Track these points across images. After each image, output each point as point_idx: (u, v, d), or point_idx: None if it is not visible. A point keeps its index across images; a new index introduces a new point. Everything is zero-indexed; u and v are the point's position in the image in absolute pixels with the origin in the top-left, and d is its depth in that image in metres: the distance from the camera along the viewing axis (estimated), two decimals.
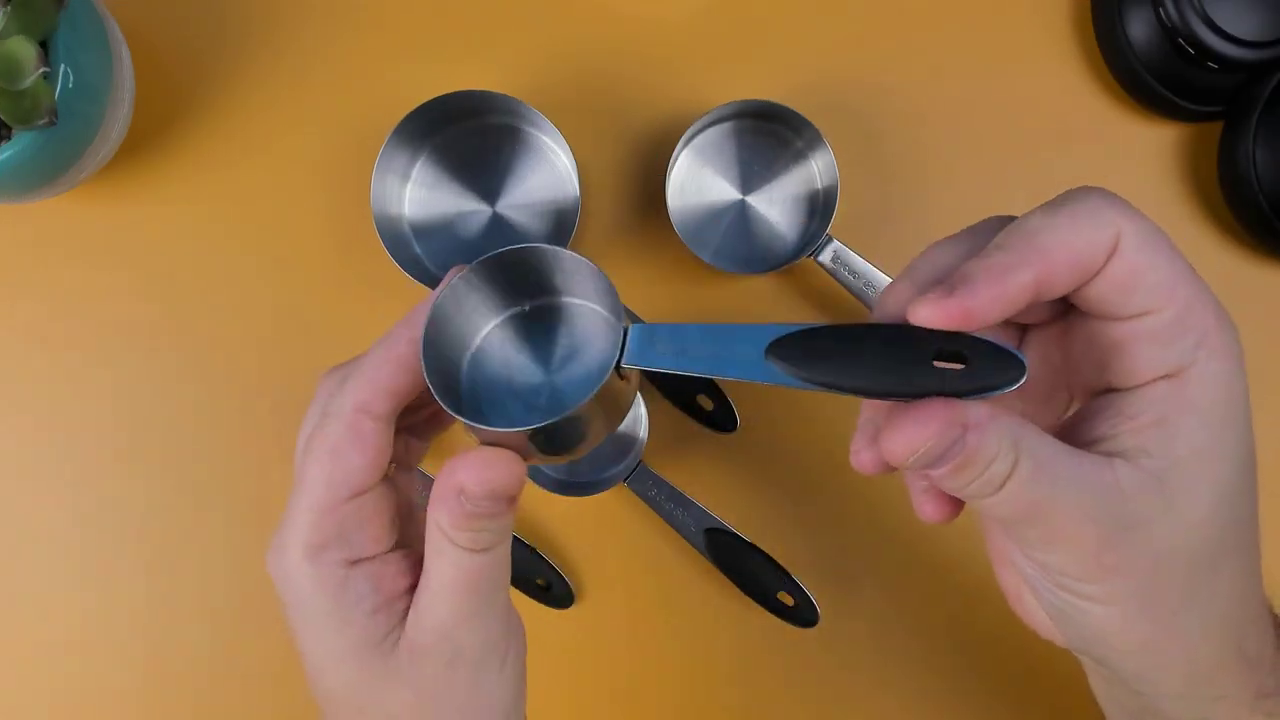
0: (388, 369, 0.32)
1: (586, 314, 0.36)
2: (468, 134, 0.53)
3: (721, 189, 0.53)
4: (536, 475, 0.52)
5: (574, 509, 0.54)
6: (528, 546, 0.53)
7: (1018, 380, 0.26)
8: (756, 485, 0.54)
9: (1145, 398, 0.28)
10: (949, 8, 0.54)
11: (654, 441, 0.52)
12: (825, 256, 0.51)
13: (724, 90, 0.54)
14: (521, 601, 0.53)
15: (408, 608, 0.33)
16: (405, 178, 0.53)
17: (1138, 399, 0.28)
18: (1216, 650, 0.30)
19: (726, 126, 0.53)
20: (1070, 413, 0.32)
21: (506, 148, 0.53)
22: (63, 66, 0.44)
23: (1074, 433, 0.30)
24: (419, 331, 0.32)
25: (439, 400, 0.31)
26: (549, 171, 0.53)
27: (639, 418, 0.52)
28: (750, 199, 0.53)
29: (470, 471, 0.31)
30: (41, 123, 0.43)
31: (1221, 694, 0.31)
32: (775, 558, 0.52)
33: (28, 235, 0.54)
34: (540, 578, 0.53)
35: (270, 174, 0.54)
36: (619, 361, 0.31)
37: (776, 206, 0.53)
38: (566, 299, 0.36)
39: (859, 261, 0.51)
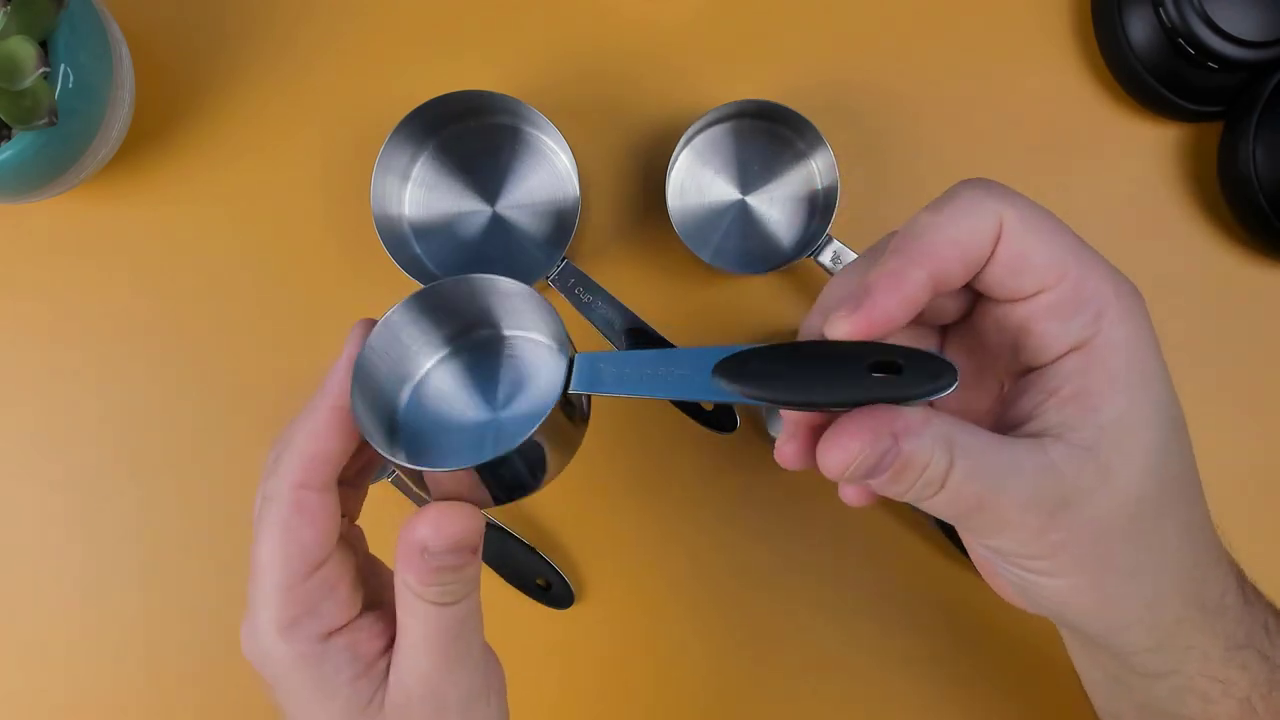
0: (315, 441, 0.32)
1: (529, 346, 0.36)
2: (468, 134, 0.53)
3: (721, 189, 0.53)
4: None
5: (574, 509, 0.54)
6: (528, 546, 0.53)
7: (949, 385, 0.27)
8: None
9: (1060, 372, 0.29)
10: (949, 8, 0.54)
11: (652, 442, 0.52)
12: (825, 257, 0.51)
13: (724, 90, 0.54)
14: (522, 601, 0.53)
15: (387, 666, 0.33)
16: (405, 178, 0.53)
17: (1053, 374, 0.29)
18: (1175, 604, 0.31)
19: (726, 126, 0.53)
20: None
21: (506, 148, 0.53)
22: (63, 66, 0.44)
23: (1004, 415, 0.31)
24: (338, 398, 0.33)
25: (381, 452, 0.31)
26: (549, 171, 0.53)
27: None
28: (750, 199, 0.53)
29: (429, 527, 0.31)
30: (41, 123, 0.43)
31: (1190, 644, 0.32)
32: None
33: (28, 235, 0.54)
34: (540, 578, 0.53)
35: (270, 174, 0.54)
36: (565, 392, 0.31)
37: (776, 206, 0.53)
38: (509, 331, 0.36)
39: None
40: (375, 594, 0.35)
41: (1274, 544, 0.53)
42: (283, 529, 0.32)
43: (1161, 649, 0.32)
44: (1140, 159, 0.54)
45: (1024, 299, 0.29)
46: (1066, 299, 0.29)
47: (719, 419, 0.52)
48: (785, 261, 0.52)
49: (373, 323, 0.34)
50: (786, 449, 0.31)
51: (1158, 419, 0.29)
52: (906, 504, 0.52)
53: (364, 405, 0.33)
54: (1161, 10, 0.50)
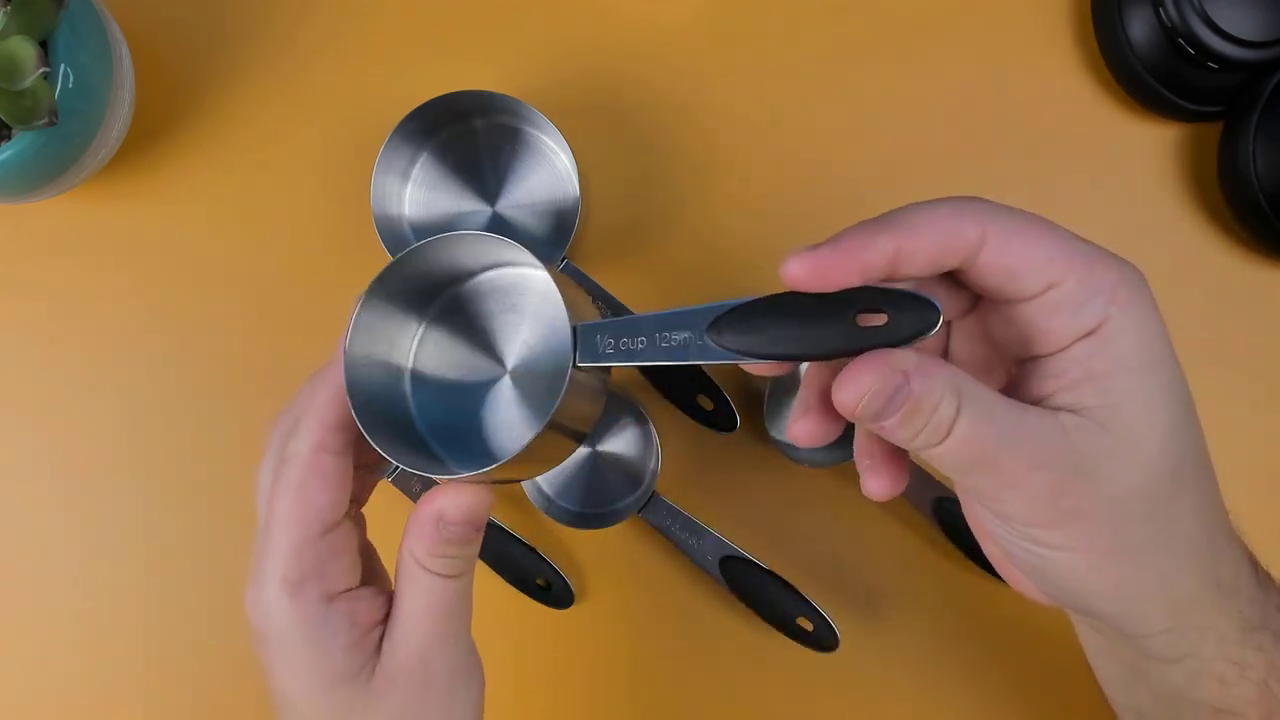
0: (335, 407, 0.34)
1: (515, 287, 0.37)
2: (468, 134, 0.53)
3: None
4: (548, 507, 0.52)
5: None
6: (528, 546, 0.53)
7: (934, 324, 0.28)
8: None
9: (1070, 357, 0.29)
10: (948, 8, 0.54)
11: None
12: None
13: (724, 90, 0.54)
14: (522, 601, 0.53)
15: (380, 639, 0.35)
16: (405, 178, 0.53)
17: (1062, 359, 0.29)
18: (1191, 581, 0.31)
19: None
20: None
21: (506, 148, 0.53)
22: (63, 66, 0.44)
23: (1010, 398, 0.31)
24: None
25: (387, 457, 0.33)
26: (549, 171, 0.53)
27: (652, 450, 0.52)
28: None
29: (447, 498, 0.34)
30: (41, 123, 0.43)
31: (1205, 624, 0.32)
32: (793, 580, 0.51)
33: (28, 235, 0.54)
34: (540, 578, 0.53)
35: (270, 174, 0.54)
36: (574, 366, 0.32)
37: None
38: (486, 274, 0.37)
39: None
40: (370, 576, 0.37)
41: (1278, 543, 0.53)
42: (299, 489, 0.33)
43: (1177, 630, 0.32)
44: (1140, 159, 0.54)
45: (1031, 298, 0.30)
46: (1075, 292, 0.29)
47: (719, 419, 0.52)
48: None
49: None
50: (800, 425, 0.32)
51: (1169, 399, 0.29)
52: (908, 505, 0.52)
53: (369, 415, 0.34)
54: (1161, 10, 0.50)
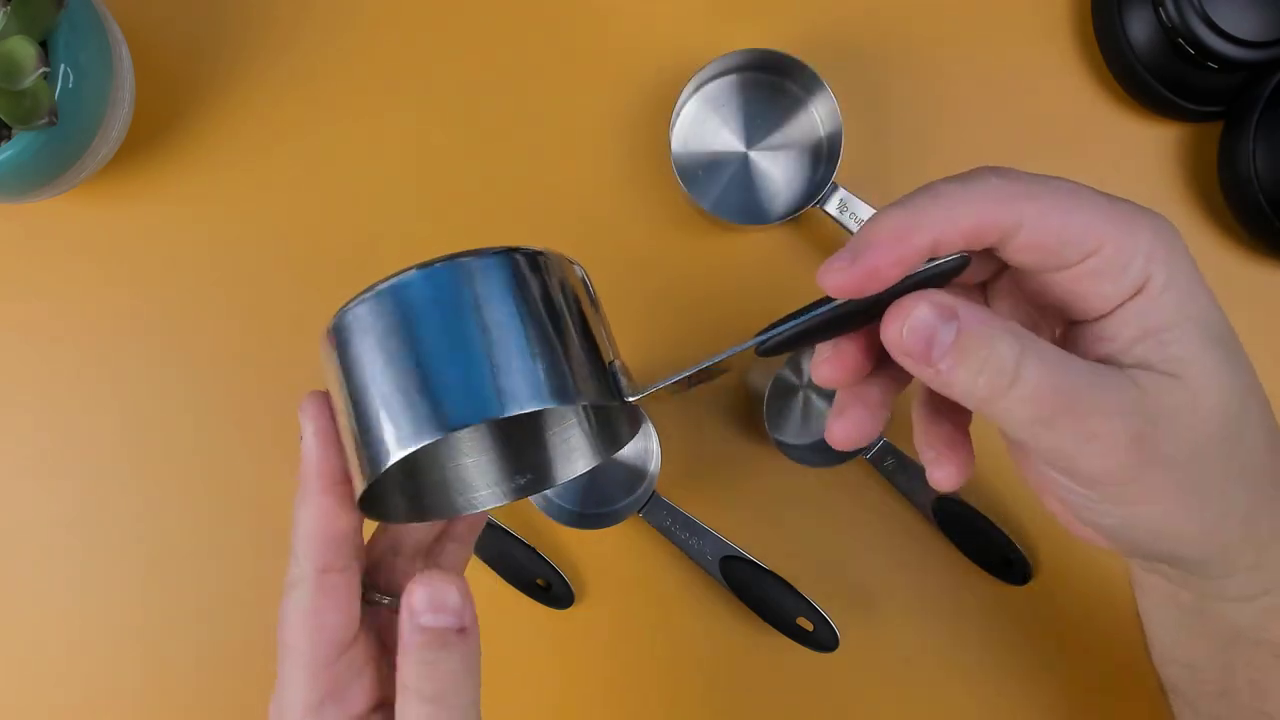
0: (324, 523, 0.32)
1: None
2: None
3: (726, 140, 0.53)
4: (548, 507, 0.52)
5: None
6: (528, 546, 0.53)
7: (965, 260, 0.28)
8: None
9: (1121, 319, 0.29)
10: (948, 8, 0.54)
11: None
12: (832, 205, 0.51)
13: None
14: (522, 601, 0.53)
15: None
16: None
17: (1114, 322, 0.29)
18: (1268, 515, 0.31)
19: (729, 80, 0.53)
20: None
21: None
22: (63, 66, 0.44)
23: None
24: (328, 478, 0.32)
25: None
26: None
27: (650, 450, 0.52)
28: (754, 152, 0.53)
29: (420, 592, 0.30)
30: (41, 123, 0.43)
31: None
32: (793, 580, 0.51)
33: (28, 235, 0.54)
34: (540, 578, 0.53)
35: (270, 173, 0.54)
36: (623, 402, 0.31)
37: (781, 157, 0.53)
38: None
39: (866, 209, 0.51)
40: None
41: None
42: (307, 614, 0.32)
43: (1260, 566, 0.31)
44: (1140, 159, 0.54)
45: (1069, 268, 0.29)
46: (1113, 258, 0.28)
47: None
48: (791, 212, 0.52)
49: (324, 395, 0.33)
50: (823, 368, 0.31)
51: (1222, 341, 0.30)
52: (908, 505, 0.52)
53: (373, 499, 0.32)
54: (1161, 10, 0.50)
